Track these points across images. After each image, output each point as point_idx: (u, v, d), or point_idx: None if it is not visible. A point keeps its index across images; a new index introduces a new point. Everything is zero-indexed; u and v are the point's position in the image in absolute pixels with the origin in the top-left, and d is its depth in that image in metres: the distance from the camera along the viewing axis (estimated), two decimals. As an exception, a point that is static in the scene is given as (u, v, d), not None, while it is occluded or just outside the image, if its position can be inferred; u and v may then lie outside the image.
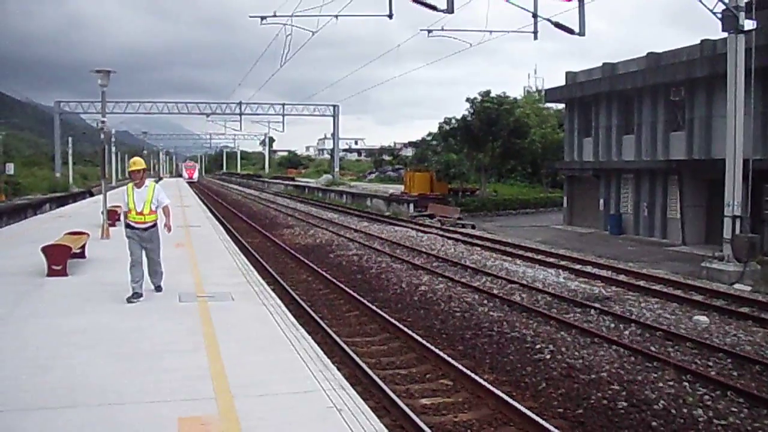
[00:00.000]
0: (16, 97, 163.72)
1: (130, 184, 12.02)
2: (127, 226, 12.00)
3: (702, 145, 31.70)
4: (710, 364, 11.84)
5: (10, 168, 59.24)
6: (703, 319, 14.98)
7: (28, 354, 8.34)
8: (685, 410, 9.61)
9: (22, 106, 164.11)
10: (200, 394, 6.98)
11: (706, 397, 10.11)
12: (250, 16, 30.18)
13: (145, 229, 11.91)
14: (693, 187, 31.64)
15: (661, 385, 10.55)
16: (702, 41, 31.77)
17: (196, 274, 14.72)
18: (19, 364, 7.94)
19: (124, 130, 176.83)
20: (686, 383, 10.65)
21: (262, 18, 29.42)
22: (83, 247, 16.39)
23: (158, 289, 12.45)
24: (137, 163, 12.04)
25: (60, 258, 14.11)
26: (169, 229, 12.51)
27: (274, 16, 29.23)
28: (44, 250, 14.21)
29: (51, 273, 13.90)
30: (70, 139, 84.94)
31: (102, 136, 24.27)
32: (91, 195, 58.90)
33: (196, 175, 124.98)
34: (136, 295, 11.72)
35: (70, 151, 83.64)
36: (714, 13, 22.02)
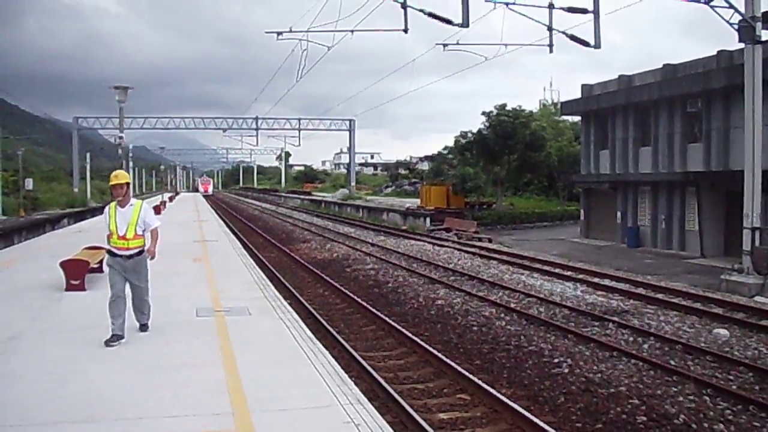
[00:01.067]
0: (35, 112, 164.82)
1: (113, 203, 10.07)
2: (108, 252, 10.16)
3: (720, 156, 31.53)
4: (731, 377, 11.72)
5: (29, 183, 59.85)
6: (724, 332, 14.84)
7: (46, 368, 8.37)
8: (706, 425, 9.50)
9: (41, 122, 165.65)
10: (218, 409, 6.97)
11: (728, 411, 9.99)
12: (267, 32, 30.35)
13: (129, 257, 9.95)
14: (711, 199, 31.45)
15: (681, 399, 10.45)
16: (719, 52, 31.68)
17: (213, 288, 14.74)
18: (37, 378, 7.96)
19: (142, 145, 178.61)
20: (707, 397, 10.54)
21: (279, 33, 29.54)
22: (101, 261, 16.40)
23: (143, 328, 10.42)
24: (119, 176, 10.03)
25: (78, 272, 14.18)
26: (153, 255, 10.38)
27: (290, 31, 29.36)
28: (62, 264, 14.29)
29: (69, 287, 13.97)
30: (88, 154, 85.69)
31: (119, 151, 24.44)
32: (109, 210, 59.13)
33: (210, 189, 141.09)
34: (115, 338, 9.63)
35: (88, 167, 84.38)
36: (731, 24, 21.94)
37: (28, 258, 20.30)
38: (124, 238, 9.89)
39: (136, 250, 10.04)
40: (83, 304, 12.83)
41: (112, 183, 10.03)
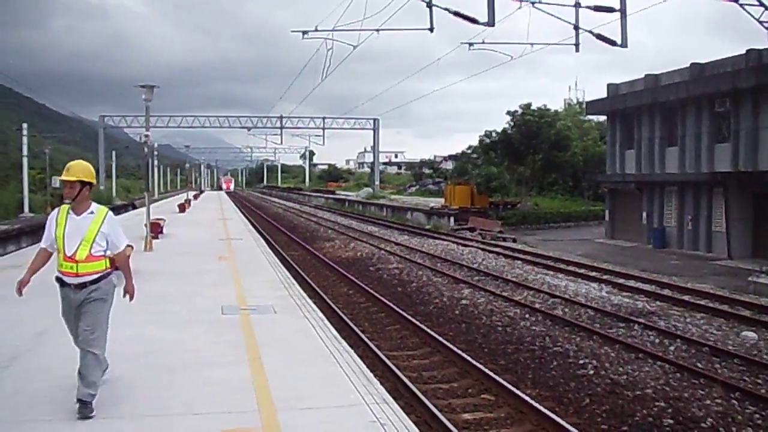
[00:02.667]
0: (61, 111, 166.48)
1: (64, 207, 7.03)
2: (57, 280, 7.22)
3: (748, 156, 31.21)
4: (759, 381, 11.59)
5: (56, 181, 60.39)
6: (751, 335, 14.69)
7: (73, 365, 8.39)
8: (734, 429, 9.42)
9: (68, 121, 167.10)
10: (243, 407, 6.99)
11: (756, 415, 9.88)
12: (292, 31, 30.39)
13: (80, 286, 6.95)
14: (739, 199, 31.12)
15: (708, 402, 10.35)
16: (747, 51, 31.36)
17: (238, 286, 14.80)
18: (65, 374, 8.01)
19: (167, 143, 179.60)
20: (735, 401, 10.43)
21: (304, 32, 29.58)
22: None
23: (83, 406, 6.69)
24: (72, 170, 6.91)
25: (105, 270, 14.23)
26: (131, 295, 7.59)
27: (316, 30, 29.37)
28: (89, 262, 14.36)
29: (96, 285, 14.04)
30: (113, 152, 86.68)
31: (145, 149, 24.56)
32: (134, 208, 59.85)
33: (232, 187, 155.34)
34: (83, 405, 6.71)
35: (114, 165, 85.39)
36: (760, 22, 21.71)
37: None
38: (72, 259, 6.93)
39: (92, 277, 6.96)
40: (110, 301, 12.90)
41: (62, 178, 6.95)
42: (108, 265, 7.09)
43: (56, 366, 8.35)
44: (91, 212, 6.97)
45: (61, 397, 7.19)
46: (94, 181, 7.07)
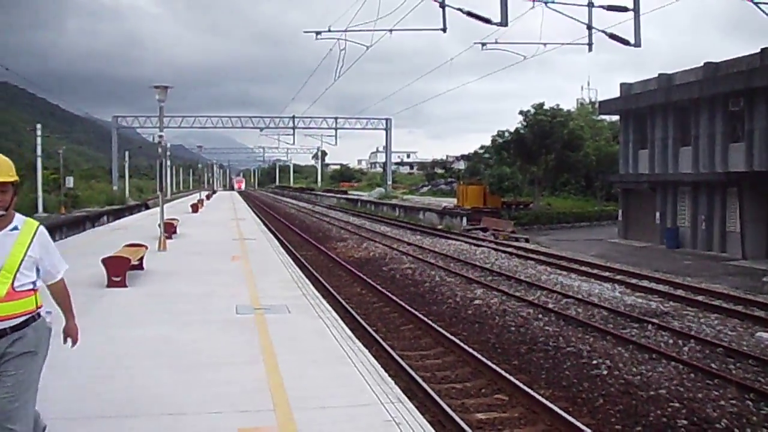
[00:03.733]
0: (75, 112, 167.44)
1: None
2: None
3: (763, 156, 31.05)
4: (775, 382, 11.54)
5: (70, 181, 60.85)
6: (766, 335, 14.62)
7: (89, 364, 8.48)
8: (748, 430, 9.39)
9: (81, 121, 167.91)
10: (259, 406, 7.02)
11: (771, 416, 9.85)
12: (305, 31, 30.41)
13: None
14: (753, 199, 30.98)
15: (723, 403, 10.31)
16: (762, 50, 31.20)
17: (252, 286, 14.84)
18: (81, 374, 8.08)
19: (179, 144, 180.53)
20: (750, 402, 10.39)
21: (317, 33, 29.62)
22: (141, 259, 16.68)
23: None
24: (4, 168, 4.73)
25: (119, 269, 14.36)
26: (74, 339, 5.87)
27: (329, 31, 29.39)
28: (104, 261, 14.48)
29: (111, 284, 14.16)
30: (126, 152, 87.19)
31: (159, 150, 24.65)
32: (147, 208, 60.07)
33: (243, 186, 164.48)
34: None
35: (127, 165, 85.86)
36: (775, 22, 21.58)
37: (69, 255, 20.57)
38: None
39: (14, 321, 4.80)
40: (125, 300, 13.02)
41: None
42: (39, 302, 5.04)
43: (72, 367, 8.39)
44: (15, 228, 4.84)
45: (78, 397, 7.25)
46: (17, 179, 4.89)
